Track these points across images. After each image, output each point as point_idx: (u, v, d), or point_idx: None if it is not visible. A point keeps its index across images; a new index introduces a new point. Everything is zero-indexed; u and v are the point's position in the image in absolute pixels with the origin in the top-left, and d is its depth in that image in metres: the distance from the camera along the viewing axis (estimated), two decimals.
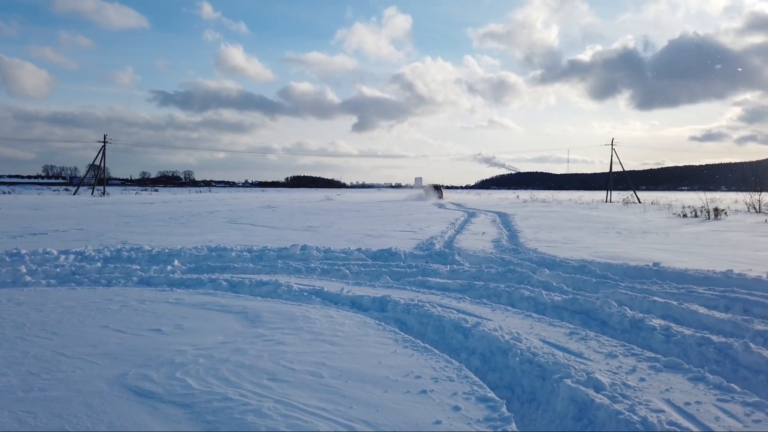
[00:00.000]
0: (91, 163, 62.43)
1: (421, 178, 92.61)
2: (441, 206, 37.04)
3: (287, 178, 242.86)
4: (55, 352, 4.05)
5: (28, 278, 7.40)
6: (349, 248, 10.59)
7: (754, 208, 29.36)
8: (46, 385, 3.39)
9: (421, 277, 7.76)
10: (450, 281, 7.41)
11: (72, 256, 9.29)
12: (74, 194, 55.65)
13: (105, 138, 61.17)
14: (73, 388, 3.35)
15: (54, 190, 72.39)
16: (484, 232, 15.69)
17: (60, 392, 3.29)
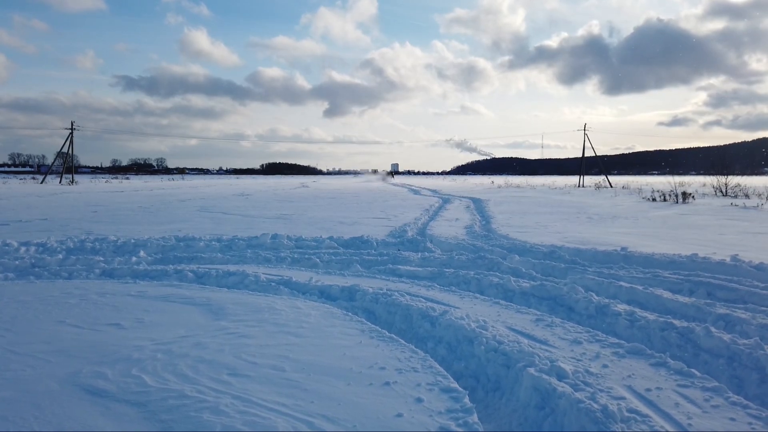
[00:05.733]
0: (58, 150, 60.86)
1: (397, 164, 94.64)
2: (416, 192, 37.06)
3: (262, 165, 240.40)
4: (5, 349, 3.89)
5: None
6: (321, 236, 10.48)
7: (721, 191, 30.05)
8: None
9: (391, 265, 7.71)
10: (420, 269, 7.38)
11: (33, 248, 9.00)
12: (41, 183, 54.16)
13: (72, 125, 59.64)
14: (22, 388, 3.22)
15: (20, 179, 70.39)
16: (457, 219, 15.72)
17: (7, 393, 3.16)
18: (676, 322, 4.67)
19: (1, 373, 3.45)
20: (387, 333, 4.39)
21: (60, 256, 8.34)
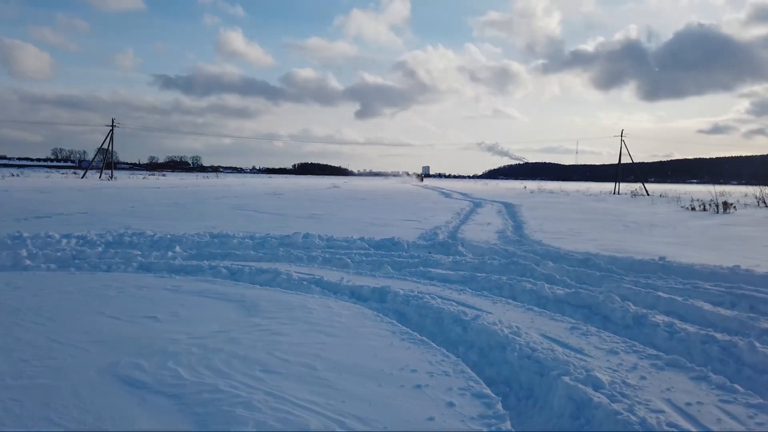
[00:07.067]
0: (99, 146, 62.70)
1: (428, 166, 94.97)
2: (447, 195, 36.89)
3: (294, 165, 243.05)
4: (48, 338, 4.01)
5: (28, 262, 7.39)
6: (352, 237, 10.52)
7: (764, 202, 29.02)
8: (35, 373, 3.35)
9: (422, 268, 7.68)
10: (452, 272, 7.33)
11: (74, 240, 9.27)
12: (82, 178, 55.83)
13: (113, 122, 61.33)
14: (63, 376, 3.31)
15: (62, 173, 72.71)
16: (489, 223, 15.57)
17: (49, 380, 3.25)
18: (718, 336, 4.52)
19: (43, 361, 3.56)
20: (418, 335, 4.37)
21: (99, 249, 8.57)
